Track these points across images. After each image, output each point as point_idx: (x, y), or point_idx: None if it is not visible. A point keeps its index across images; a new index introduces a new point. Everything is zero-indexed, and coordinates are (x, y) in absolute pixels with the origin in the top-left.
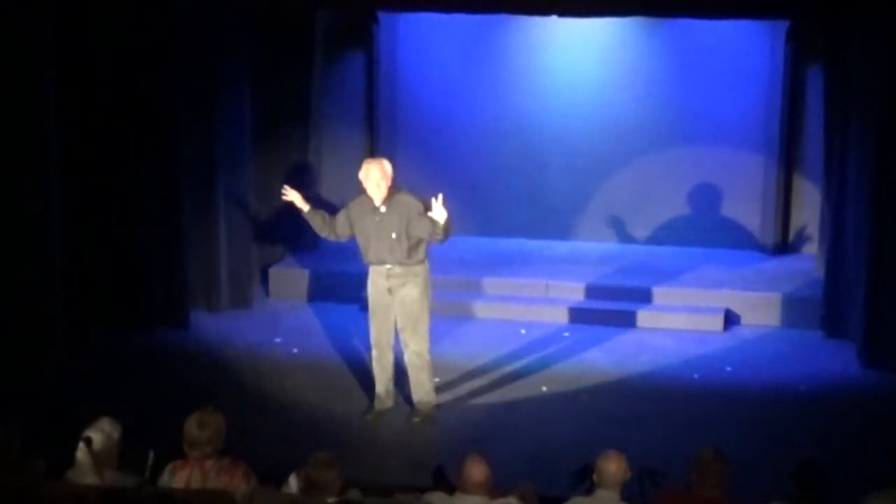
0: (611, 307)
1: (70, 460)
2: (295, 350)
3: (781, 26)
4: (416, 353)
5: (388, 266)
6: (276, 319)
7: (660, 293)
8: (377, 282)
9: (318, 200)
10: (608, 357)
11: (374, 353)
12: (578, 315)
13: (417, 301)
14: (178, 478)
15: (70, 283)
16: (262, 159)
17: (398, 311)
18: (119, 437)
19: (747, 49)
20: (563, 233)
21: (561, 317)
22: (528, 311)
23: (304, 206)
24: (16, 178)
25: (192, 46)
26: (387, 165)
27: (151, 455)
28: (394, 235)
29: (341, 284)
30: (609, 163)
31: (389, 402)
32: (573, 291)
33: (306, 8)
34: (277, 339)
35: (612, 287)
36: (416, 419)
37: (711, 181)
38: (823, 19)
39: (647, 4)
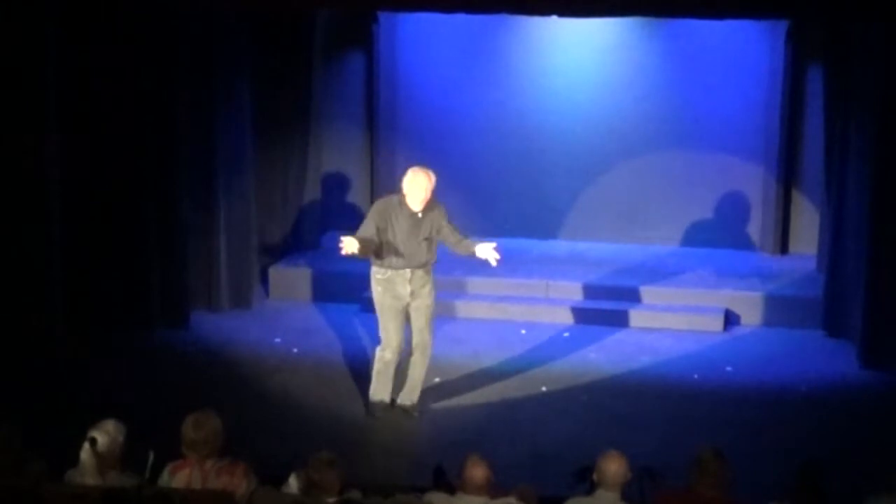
0: (611, 307)
1: (71, 460)
2: (295, 350)
3: (781, 26)
4: (430, 348)
5: (411, 270)
6: (276, 319)
7: (660, 293)
8: (397, 286)
9: (318, 200)
10: (608, 357)
11: (387, 356)
12: (578, 315)
13: (433, 298)
14: (177, 478)
15: (70, 284)
16: (262, 159)
17: (419, 311)
18: (123, 440)
19: (747, 49)
20: (563, 233)
21: (561, 317)
22: (528, 311)
23: (356, 250)
24: (16, 178)
25: (192, 47)
26: (432, 175)
27: (151, 455)
28: (426, 240)
29: (341, 284)
30: (609, 163)
31: (389, 401)
32: (573, 291)
33: (306, 8)
34: (277, 339)
35: (612, 287)
36: (414, 414)
37: (711, 181)
38: (823, 19)
39: (647, 4)
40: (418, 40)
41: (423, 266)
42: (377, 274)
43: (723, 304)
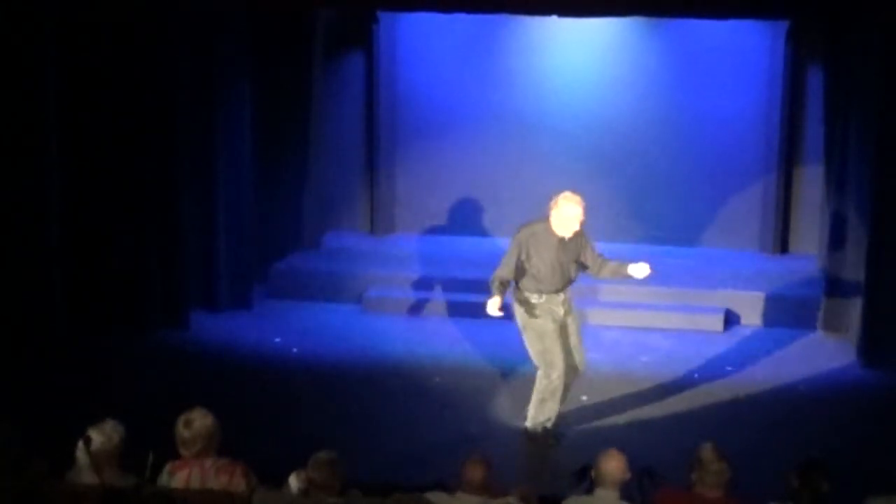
0: (611, 307)
1: (71, 460)
2: (295, 350)
3: (781, 26)
4: (584, 364)
5: (562, 292)
6: (276, 319)
7: (660, 293)
8: (553, 310)
9: (318, 200)
10: (608, 357)
11: (557, 380)
12: (578, 314)
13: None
14: (177, 477)
15: (70, 283)
16: (262, 159)
17: (572, 329)
18: (120, 440)
19: (747, 49)
20: None
21: None
22: None
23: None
24: (16, 179)
25: (192, 47)
26: (582, 201)
27: (151, 455)
28: (574, 262)
29: (341, 284)
30: (609, 163)
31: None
32: (573, 291)
33: (306, 8)
34: (277, 339)
35: (612, 287)
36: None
37: (711, 181)
38: (823, 19)
39: (647, 4)
40: (418, 40)
41: (570, 286)
42: (532, 299)
43: (723, 304)
